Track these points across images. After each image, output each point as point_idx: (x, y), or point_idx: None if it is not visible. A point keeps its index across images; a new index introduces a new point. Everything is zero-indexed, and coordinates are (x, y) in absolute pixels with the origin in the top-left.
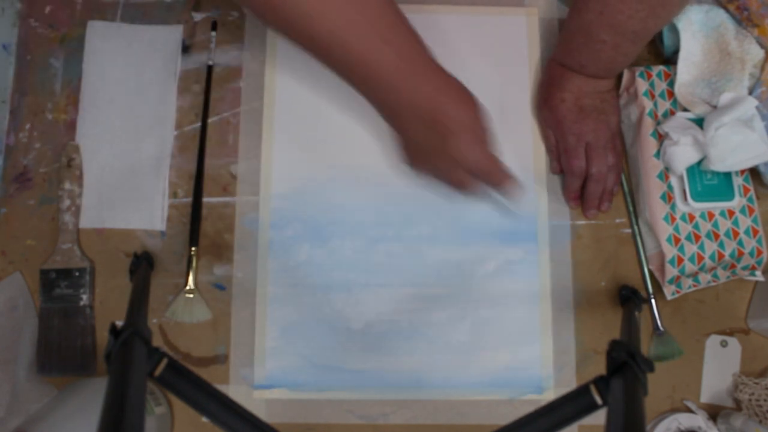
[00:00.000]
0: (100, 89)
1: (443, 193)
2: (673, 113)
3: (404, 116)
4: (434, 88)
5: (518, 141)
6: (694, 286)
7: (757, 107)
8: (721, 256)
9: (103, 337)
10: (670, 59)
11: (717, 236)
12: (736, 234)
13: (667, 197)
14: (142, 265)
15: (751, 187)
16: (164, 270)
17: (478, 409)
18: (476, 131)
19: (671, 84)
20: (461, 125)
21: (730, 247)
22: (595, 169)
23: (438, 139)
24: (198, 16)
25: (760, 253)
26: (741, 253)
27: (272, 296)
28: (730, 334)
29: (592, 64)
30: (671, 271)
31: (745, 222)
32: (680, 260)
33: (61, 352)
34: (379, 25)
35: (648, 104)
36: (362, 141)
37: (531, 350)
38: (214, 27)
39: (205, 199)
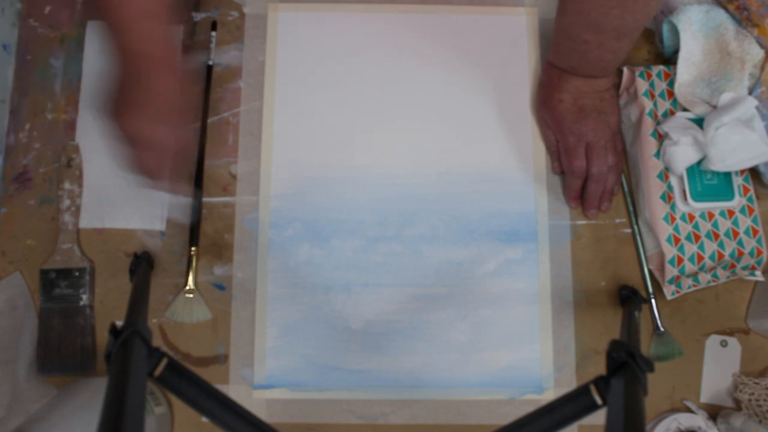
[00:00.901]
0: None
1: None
2: (673, 113)
3: (115, 50)
4: (149, 42)
5: (518, 141)
6: (694, 286)
7: (757, 107)
8: (721, 256)
9: (103, 337)
10: (670, 59)
11: (717, 236)
12: (736, 234)
13: (667, 197)
14: (142, 265)
15: (751, 187)
16: (164, 270)
17: (478, 409)
18: (158, 114)
19: (671, 84)
20: (149, 89)
21: (730, 247)
22: (595, 169)
23: (127, 90)
24: (198, 16)
25: (760, 253)
26: (741, 253)
27: (272, 296)
28: (730, 334)
29: (583, 65)
30: (671, 271)
31: (744, 222)
32: (680, 260)
33: (61, 352)
34: None
35: (648, 104)
36: (362, 141)
37: (531, 350)
38: (214, 27)
39: (205, 199)
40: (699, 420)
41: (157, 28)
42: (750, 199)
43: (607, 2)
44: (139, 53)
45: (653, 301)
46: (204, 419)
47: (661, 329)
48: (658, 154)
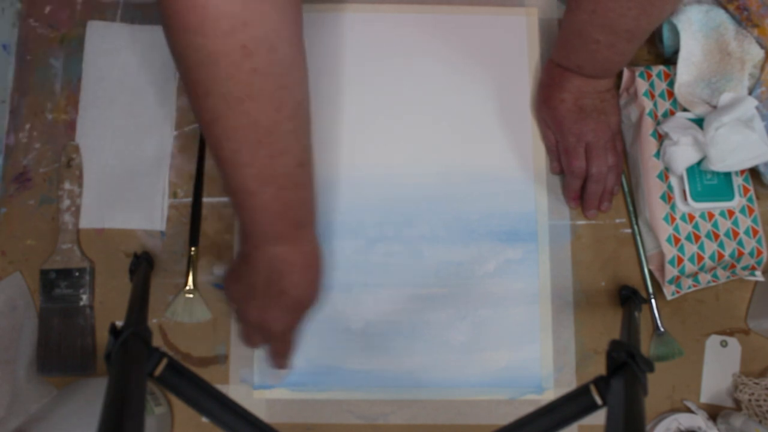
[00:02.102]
0: (100, 89)
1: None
2: (673, 113)
3: (256, 261)
4: (295, 255)
5: (518, 141)
6: (694, 286)
7: (757, 107)
8: (721, 256)
9: (103, 337)
10: (670, 59)
11: (717, 236)
12: (735, 234)
13: (667, 197)
14: (142, 265)
15: (751, 187)
16: (164, 270)
17: (478, 409)
18: (297, 305)
19: (671, 84)
20: (290, 293)
21: (730, 247)
22: (595, 169)
23: (266, 292)
24: None
25: (759, 253)
26: (741, 253)
27: None
28: (730, 334)
29: (589, 65)
30: (671, 271)
31: (744, 222)
32: (680, 260)
33: (61, 352)
34: (280, 173)
35: (648, 104)
36: (362, 141)
37: (531, 350)
38: None
39: (205, 199)
40: (699, 420)
41: (308, 237)
42: (750, 200)
43: (626, 3)
44: (282, 263)
45: (653, 301)
46: (204, 419)
47: (661, 329)
48: (658, 154)
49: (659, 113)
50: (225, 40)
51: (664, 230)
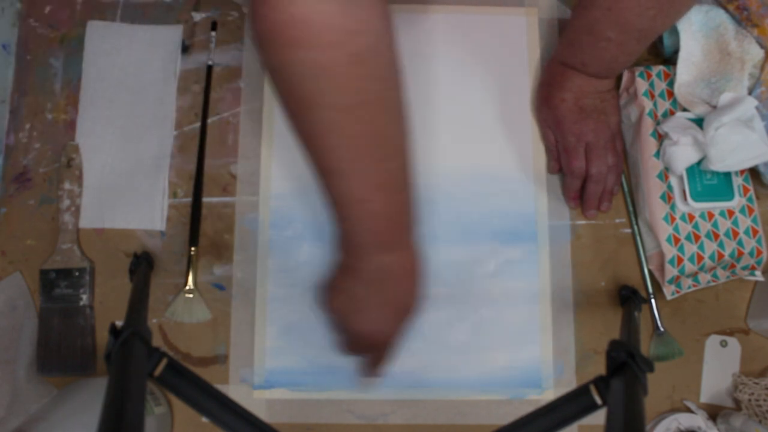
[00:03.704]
0: (100, 89)
1: (336, 336)
2: (672, 113)
3: (357, 270)
4: (397, 262)
5: (518, 141)
6: (694, 286)
7: (756, 107)
8: (720, 256)
9: (103, 337)
10: (669, 59)
11: (717, 236)
12: (735, 234)
13: (667, 197)
14: (142, 265)
15: (751, 187)
16: (164, 270)
17: (478, 409)
18: (399, 312)
19: (671, 84)
20: (392, 300)
21: (730, 247)
22: (594, 169)
23: (368, 300)
24: (198, 16)
25: (759, 253)
26: (741, 253)
27: (272, 296)
28: (730, 334)
29: (595, 63)
30: (671, 271)
31: (744, 222)
32: (680, 260)
33: (61, 352)
34: (391, 177)
35: (648, 104)
36: None
37: (531, 350)
38: (213, 27)
39: (205, 199)
40: (699, 420)
41: (413, 241)
42: (750, 199)
43: (645, 2)
44: (390, 271)
45: (653, 301)
46: (204, 419)
47: (661, 329)
48: (658, 154)
49: (659, 113)
50: (333, 52)
51: (664, 230)
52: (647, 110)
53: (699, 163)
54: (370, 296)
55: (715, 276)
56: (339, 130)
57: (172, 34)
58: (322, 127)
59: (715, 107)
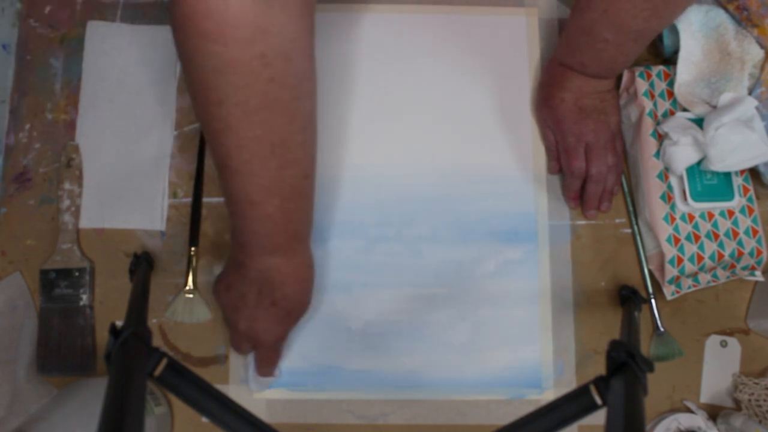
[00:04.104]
0: (100, 89)
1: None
2: (672, 113)
3: (249, 272)
4: (287, 268)
5: (518, 141)
6: (694, 286)
7: (756, 107)
8: (720, 256)
9: (103, 337)
10: (669, 59)
11: (717, 236)
12: (735, 234)
13: (667, 197)
14: (142, 265)
15: (751, 187)
16: (164, 270)
17: (478, 409)
18: (288, 316)
19: (671, 84)
20: (281, 304)
21: (730, 247)
22: (594, 169)
23: (258, 303)
24: None
25: (759, 253)
26: (741, 253)
27: None
28: (730, 334)
29: (594, 64)
30: (671, 271)
31: (744, 222)
32: (680, 260)
33: (61, 352)
34: (287, 184)
35: (648, 104)
36: (362, 141)
37: (531, 350)
38: None
39: (205, 199)
40: (699, 420)
41: (303, 248)
42: (750, 200)
43: (639, 4)
44: (276, 274)
45: (653, 301)
46: (204, 419)
47: (661, 329)
48: (658, 154)
49: (659, 113)
50: (243, 49)
51: (664, 230)
52: (647, 110)
53: (699, 163)
54: (255, 296)
55: (715, 276)
56: (241, 130)
57: (172, 34)
58: (224, 124)
59: (715, 107)
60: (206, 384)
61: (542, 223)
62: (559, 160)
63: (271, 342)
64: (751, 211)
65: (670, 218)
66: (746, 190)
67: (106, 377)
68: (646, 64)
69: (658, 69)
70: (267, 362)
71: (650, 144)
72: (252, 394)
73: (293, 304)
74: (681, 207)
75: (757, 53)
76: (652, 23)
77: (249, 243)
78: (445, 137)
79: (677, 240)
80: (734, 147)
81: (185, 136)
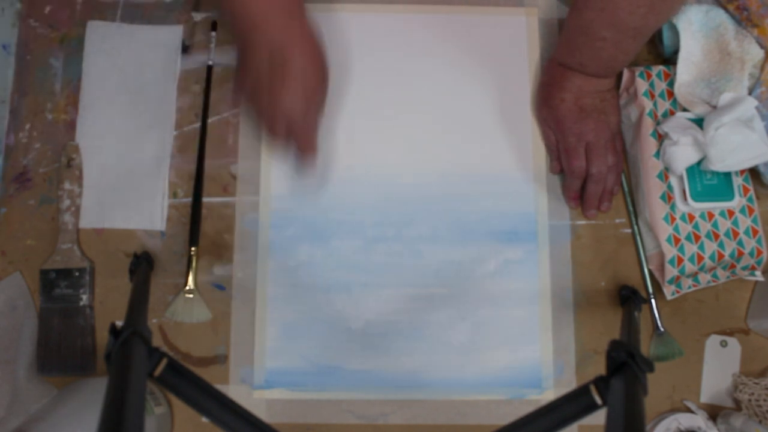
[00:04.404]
0: (100, 89)
1: (264, 133)
2: (672, 113)
3: (255, 45)
4: (290, 33)
5: (518, 141)
6: (694, 286)
7: (756, 107)
8: (720, 256)
9: (103, 337)
10: (669, 59)
11: (717, 236)
12: (735, 234)
13: (667, 197)
14: (142, 265)
15: (751, 187)
16: (164, 270)
17: (478, 409)
18: (306, 84)
19: (671, 84)
20: (295, 73)
21: (730, 247)
22: (595, 169)
23: (272, 76)
24: (198, 16)
25: (759, 253)
26: (741, 253)
27: (272, 296)
28: (730, 334)
29: (593, 63)
30: (671, 271)
31: (744, 222)
32: (680, 260)
33: (61, 352)
34: None
35: (648, 104)
36: (362, 141)
37: (531, 350)
38: (214, 27)
39: (205, 199)
40: (699, 420)
41: (298, 14)
42: (750, 200)
43: (635, 1)
44: (289, 39)
45: (653, 301)
46: (204, 419)
47: (661, 329)
48: (658, 154)
49: (659, 113)
50: None
51: (664, 230)
52: (647, 110)
53: (699, 163)
54: (267, 68)
55: (715, 276)
56: None
57: (172, 34)
58: None
59: (715, 107)
60: (206, 384)
61: (542, 223)
62: (560, 160)
63: (300, 114)
64: (751, 211)
65: (670, 218)
66: (746, 190)
67: (106, 377)
68: (646, 64)
69: (658, 69)
70: (304, 137)
71: (650, 144)
72: (252, 393)
73: (308, 74)
74: (681, 207)
75: (757, 53)
76: (650, 20)
77: (255, 13)
78: (445, 137)
79: (677, 240)
80: (734, 147)
81: (185, 136)
